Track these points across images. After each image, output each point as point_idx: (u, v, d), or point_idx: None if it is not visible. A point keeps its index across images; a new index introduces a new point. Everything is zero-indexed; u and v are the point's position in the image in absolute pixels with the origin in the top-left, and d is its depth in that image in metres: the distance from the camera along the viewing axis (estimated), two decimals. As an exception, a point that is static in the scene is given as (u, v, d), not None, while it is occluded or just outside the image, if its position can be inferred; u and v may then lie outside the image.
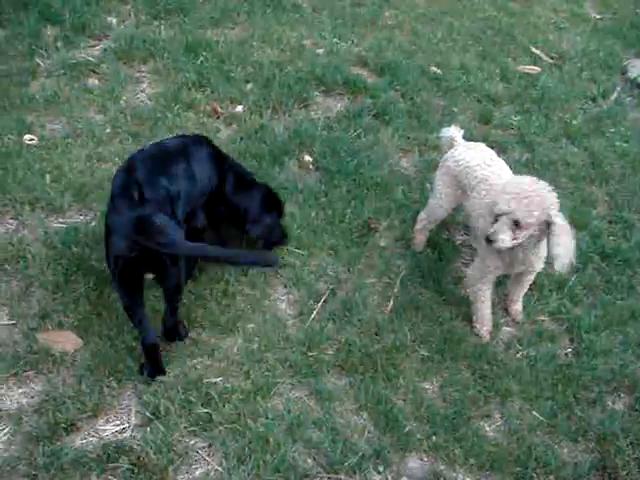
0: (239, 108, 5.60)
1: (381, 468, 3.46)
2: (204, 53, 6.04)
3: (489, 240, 3.67)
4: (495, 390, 3.87)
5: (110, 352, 3.73)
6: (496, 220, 3.67)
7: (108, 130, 5.20)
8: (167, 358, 3.75)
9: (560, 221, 3.61)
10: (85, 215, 4.54)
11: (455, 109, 5.98)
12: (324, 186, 4.99)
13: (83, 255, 4.19)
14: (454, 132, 4.47)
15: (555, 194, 3.67)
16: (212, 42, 6.21)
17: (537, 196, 3.59)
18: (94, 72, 5.76)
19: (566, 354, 4.16)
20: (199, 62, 5.94)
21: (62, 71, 5.66)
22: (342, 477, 3.40)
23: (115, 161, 4.88)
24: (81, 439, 3.40)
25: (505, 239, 3.64)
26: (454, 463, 3.52)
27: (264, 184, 4.38)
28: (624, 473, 3.55)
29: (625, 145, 5.91)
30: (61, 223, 4.46)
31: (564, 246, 3.62)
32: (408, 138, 5.59)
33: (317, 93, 5.92)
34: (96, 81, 5.67)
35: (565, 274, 4.44)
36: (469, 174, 4.12)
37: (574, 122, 6.07)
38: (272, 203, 4.33)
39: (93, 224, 4.44)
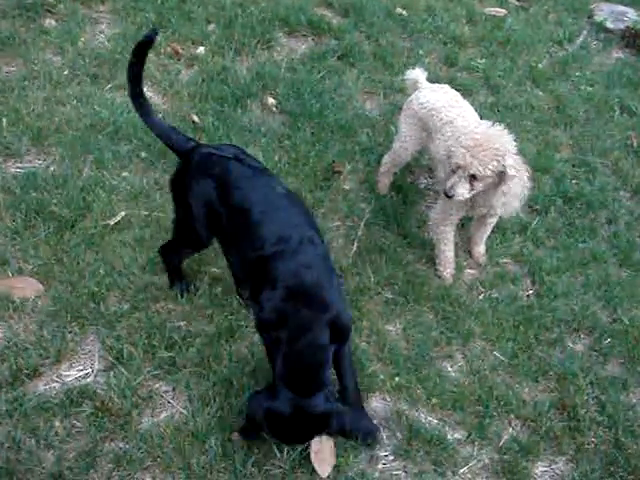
0: (200, 49, 5.47)
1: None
2: (164, -7, 5.88)
3: (447, 196, 3.70)
4: (457, 331, 3.92)
5: (72, 297, 3.70)
6: (453, 172, 3.67)
7: (66, 72, 5.06)
8: (131, 303, 3.73)
9: (512, 172, 3.63)
10: (44, 159, 4.45)
11: (420, 51, 5.91)
12: (288, 129, 4.94)
13: (42, 200, 4.12)
14: (419, 74, 4.42)
15: (511, 139, 3.68)
16: (173, -19, 6.04)
17: (492, 148, 3.58)
18: (51, 12, 5.56)
19: (528, 296, 4.22)
20: (159, 2, 5.76)
21: (17, 12, 5.46)
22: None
23: (73, 104, 4.77)
24: (44, 385, 3.38)
25: (463, 192, 3.67)
26: (417, 403, 3.57)
27: None
28: (583, 411, 3.63)
29: (590, 89, 5.91)
30: (19, 168, 4.36)
31: (513, 195, 3.69)
32: (373, 80, 5.53)
33: (280, 34, 5.81)
34: (53, 22, 5.49)
35: (527, 218, 4.48)
36: (434, 116, 4.09)
37: (539, 65, 6.05)
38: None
39: (52, 169, 4.35)
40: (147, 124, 3.54)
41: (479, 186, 3.68)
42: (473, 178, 3.63)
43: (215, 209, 3.23)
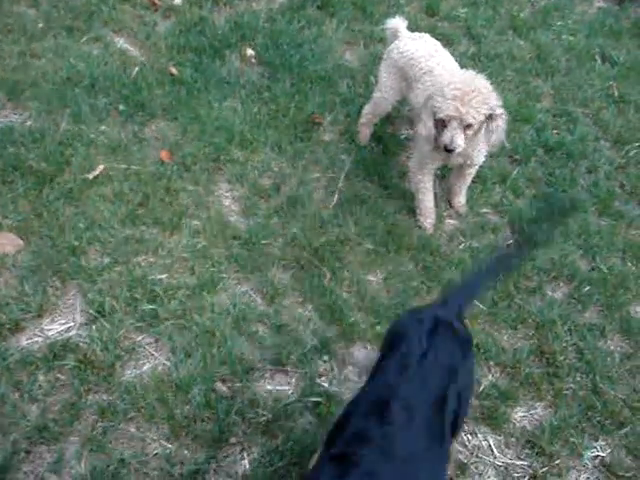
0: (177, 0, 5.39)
1: (326, 358, 3.53)
2: (140, -59, 5.75)
3: (448, 150, 3.65)
4: (438, 281, 3.94)
5: (52, 252, 3.69)
6: (443, 125, 3.64)
7: (41, 25, 4.99)
8: (112, 257, 3.73)
9: (499, 110, 3.64)
10: (20, 114, 4.40)
11: (401, 0, 5.84)
12: (267, 80, 4.90)
13: (20, 155, 4.08)
14: (399, 23, 4.37)
15: (483, 77, 3.67)
16: None
17: (479, 93, 3.56)
18: (24, -36, 5.45)
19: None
20: (135, -48, 5.66)
21: (-11, -36, 5.36)
22: (288, 369, 3.46)
23: (49, 57, 4.70)
24: (27, 339, 3.39)
25: (461, 143, 3.64)
26: (397, 351, 3.61)
27: None
28: (561, 358, 3.68)
29: (571, 38, 5.87)
30: (-5, 122, 4.32)
31: (501, 131, 3.70)
32: (353, 30, 5.47)
33: (259, -16, 5.72)
34: (27, -27, 5.38)
35: (507, 168, 4.49)
36: (414, 65, 4.06)
37: (521, 15, 5.99)
38: None
39: (29, 123, 4.31)
40: None
41: (470, 134, 3.67)
42: (467, 127, 3.62)
43: None
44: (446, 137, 3.63)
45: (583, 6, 6.36)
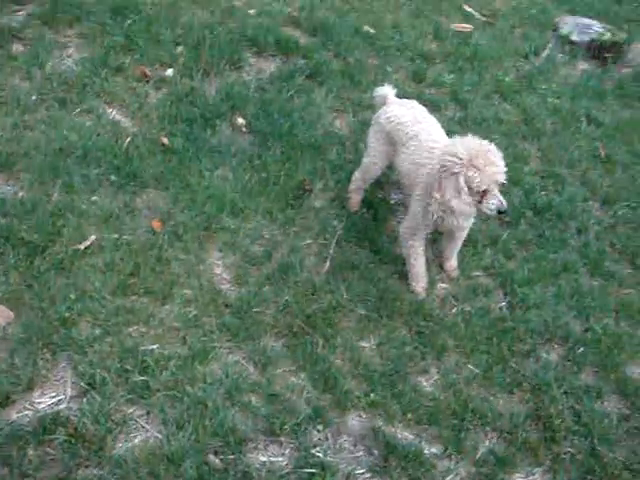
0: (169, 71, 5.48)
1: (320, 427, 3.49)
2: (132, 15, 5.86)
3: (502, 212, 3.76)
4: (431, 346, 3.93)
5: (42, 324, 3.66)
6: (482, 196, 3.68)
7: (34, 97, 5.04)
8: (103, 328, 3.70)
9: None
10: (12, 185, 4.41)
11: (389, 68, 5.96)
12: (258, 148, 4.95)
13: (12, 226, 4.08)
14: (387, 91, 4.48)
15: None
16: (140, 4, 6.02)
17: (494, 153, 3.70)
18: (18, 38, 5.53)
19: (500, 308, 4.24)
20: (127, 25, 5.76)
21: (-17, 38, 5.45)
22: (282, 439, 3.42)
23: (42, 129, 4.75)
24: (17, 412, 3.34)
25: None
26: (393, 419, 3.57)
27: None
28: (558, 421, 3.66)
29: (557, 101, 5.99)
30: (-13, 195, 4.33)
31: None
32: (342, 98, 5.56)
33: (249, 54, 5.83)
34: (20, 47, 5.46)
35: (497, 230, 4.53)
36: (400, 130, 4.14)
37: (506, 79, 6.11)
38: None
39: (21, 194, 4.32)
40: None
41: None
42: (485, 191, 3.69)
43: None
44: (496, 203, 3.69)
45: (567, 69, 6.50)
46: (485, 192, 3.66)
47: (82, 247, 4.06)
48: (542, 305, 4.25)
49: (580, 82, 6.27)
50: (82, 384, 3.47)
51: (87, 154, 4.63)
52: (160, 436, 3.33)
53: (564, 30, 6.90)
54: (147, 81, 5.37)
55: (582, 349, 4.05)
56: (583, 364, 3.98)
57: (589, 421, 3.67)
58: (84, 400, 3.41)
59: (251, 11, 6.30)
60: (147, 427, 3.37)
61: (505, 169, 3.68)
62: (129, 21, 5.80)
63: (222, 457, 3.29)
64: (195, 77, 5.44)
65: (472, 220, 4.07)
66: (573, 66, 6.57)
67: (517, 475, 3.47)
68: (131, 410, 3.42)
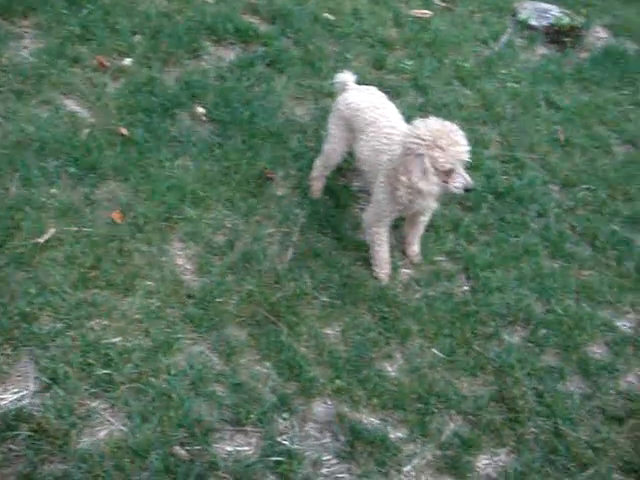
0: (127, 61, 5.42)
1: (286, 415, 3.49)
2: (88, 5, 5.79)
3: (469, 190, 3.74)
4: (395, 331, 3.95)
5: (3, 319, 3.61)
6: (447, 175, 3.68)
7: (-11, 89, 4.96)
8: (64, 322, 3.66)
9: None
10: (-26, 182, 4.35)
11: (349, 55, 5.95)
12: (218, 138, 4.92)
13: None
14: (347, 77, 4.47)
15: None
16: (96, -7, 5.96)
17: (457, 132, 3.71)
18: (-29, 30, 5.45)
19: (463, 292, 4.27)
20: (83, 14, 5.70)
21: (-64, 30, 5.34)
22: (248, 429, 3.41)
23: (-2, 121, 4.68)
24: (-22, 410, 3.29)
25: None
26: (358, 404, 3.59)
27: None
28: (522, 403, 3.69)
29: (516, 86, 6.02)
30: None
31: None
32: (302, 86, 5.55)
33: (208, 43, 5.78)
34: (-26, 39, 5.37)
35: (459, 215, 4.56)
36: (359, 117, 4.15)
37: (466, 65, 6.14)
38: None
39: (-18, 189, 4.26)
40: None
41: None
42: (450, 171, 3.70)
43: None
44: (462, 181, 3.70)
45: (526, 54, 6.54)
46: (451, 171, 3.68)
47: (42, 241, 4.01)
48: (504, 288, 4.28)
49: (539, 66, 6.32)
50: (44, 379, 3.43)
51: (45, 146, 4.57)
52: (125, 429, 3.30)
53: (523, 15, 6.94)
54: (105, 71, 5.30)
55: (544, 331, 4.09)
56: (545, 345, 4.02)
57: (552, 401, 3.72)
58: (47, 395, 3.37)
59: (209, -1, 6.25)
60: (112, 420, 3.35)
61: (469, 148, 3.69)
62: (85, 10, 5.74)
63: (188, 448, 3.27)
64: (154, 66, 5.39)
65: (436, 204, 4.07)
66: (532, 51, 6.61)
67: (482, 457, 3.50)
68: (95, 404, 3.39)
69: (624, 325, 4.24)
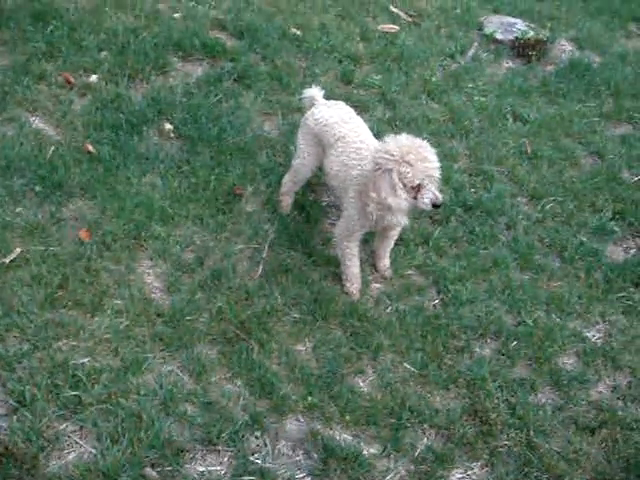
0: (93, 77, 5.39)
1: (258, 434, 3.46)
2: (54, 21, 5.75)
3: (438, 206, 3.75)
4: (367, 346, 3.94)
5: (-32, 341, 3.55)
6: (418, 190, 3.69)
7: (-47, 107, 4.90)
8: (31, 343, 3.61)
9: None
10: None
11: (317, 70, 5.96)
12: (186, 154, 4.90)
13: None
14: (315, 92, 4.48)
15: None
16: (62, 9, 5.93)
17: (426, 148, 3.74)
18: None
19: (434, 305, 4.28)
20: (49, 31, 5.65)
21: None
22: (220, 448, 3.38)
23: (-38, 140, 4.61)
24: (-58, 435, 3.23)
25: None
26: (330, 421, 3.57)
27: None
28: (494, 415, 3.70)
29: (483, 99, 6.07)
30: None
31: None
32: (270, 101, 5.54)
33: (175, 59, 5.77)
34: (-64, 56, 5.31)
35: (428, 229, 4.57)
36: (328, 132, 4.15)
37: (433, 79, 6.17)
38: None
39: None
40: None
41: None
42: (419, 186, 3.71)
43: None
44: (430, 197, 3.71)
45: (492, 68, 6.60)
46: (419, 187, 3.69)
47: (7, 261, 3.96)
48: (474, 301, 4.30)
49: (505, 80, 6.37)
50: (11, 402, 3.37)
51: (10, 165, 4.52)
52: (94, 451, 3.25)
53: (489, 29, 7.01)
54: (71, 88, 5.26)
55: (515, 343, 4.11)
56: (516, 357, 4.03)
57: (524, 413, 3.73)
58: (14, 418, 3.31)
59: (176, 15, 6.23)
60: (81, 443, 3.30)
61: (438, 164, 3.71)
62: (51, 27, 5.70)
63: (159, 469, 3.23)
64: (120, 83, 5.36)
65: (406, 219, 4.07)
66: (498, 64, 6.67)
67: (456, 470, 3.50)
68: (63, 426, 3.34)
69: (594, 336, 4.27)
